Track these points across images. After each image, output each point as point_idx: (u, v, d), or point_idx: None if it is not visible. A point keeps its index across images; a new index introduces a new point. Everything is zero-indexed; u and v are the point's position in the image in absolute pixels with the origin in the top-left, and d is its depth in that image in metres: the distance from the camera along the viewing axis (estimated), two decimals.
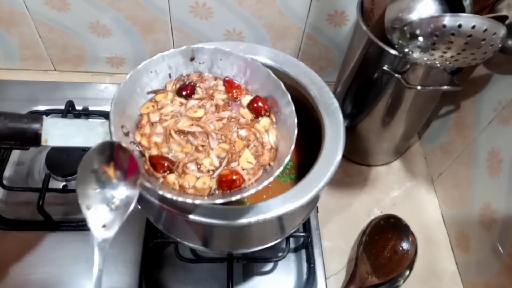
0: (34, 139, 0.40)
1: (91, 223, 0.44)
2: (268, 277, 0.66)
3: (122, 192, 0.43)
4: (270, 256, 0.65)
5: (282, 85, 0.49)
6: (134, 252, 0.65)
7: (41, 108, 0.80)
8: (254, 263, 0.66)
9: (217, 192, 0.44)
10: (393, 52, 0.58)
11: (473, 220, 0.67)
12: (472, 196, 0.68)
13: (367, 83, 0.67)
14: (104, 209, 0.44)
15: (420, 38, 0.51)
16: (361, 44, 0.64)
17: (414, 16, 0.56)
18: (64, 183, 0.71)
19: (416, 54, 0.53)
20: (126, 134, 0.45)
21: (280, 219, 0.51)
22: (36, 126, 0.40)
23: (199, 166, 0.45)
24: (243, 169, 0.45)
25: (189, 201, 0.41)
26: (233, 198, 0.41)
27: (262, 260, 0.66)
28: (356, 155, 0.82)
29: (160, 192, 0.41)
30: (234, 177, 0.44)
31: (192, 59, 0.51)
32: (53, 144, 0.41)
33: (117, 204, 0.44)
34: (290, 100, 0.48)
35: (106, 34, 0.81)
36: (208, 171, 0.45)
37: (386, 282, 0.66)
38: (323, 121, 0.53)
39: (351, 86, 0.72)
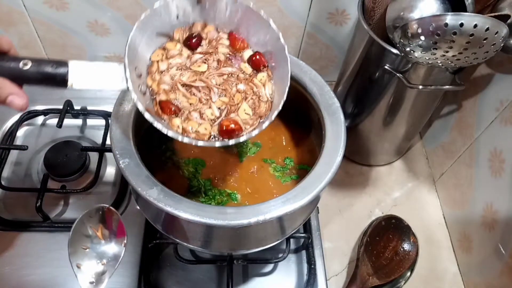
0: (61, 82, 0.43)
1: (81, 281, 0.50)
2: (268, 278, 0.66)
3: (110, 249, 0.52)
4: (270, 257, 0.65)
5: (281, 37, 0.49)
6: (133, 253, 0.65)
7: (39, 107, 0.80)
8: (254, 264, 0.66)
9: (216, 139, 0.48)
10: (394, 51, 0.58)
11: (475, 220, 0.67)
12: (474, 197, 0.68)
13: (368, 82, 0.67)
14: (93, 266, 0.51)
15: (422, 37, 0.51)
16: (362, 43, 0.63)
17: (416, 15, 0.56)
18: (62, 184, 0.71)
19: (417, 53, 0.53)
20: (139, 76, 0.48)
21: (280, 219, 0.50)
22: (63, 71, 0.43)
23: (201, 115, 0.49)
24: (242, 120, 0.49)
25: (191, 140, 0.45)
26: (230, 143, 0.46)
27: (262, 261, 0.66)
28: (357, 155, 0.81)
29: (166, 131, 0.44)
30: (232, 125, 0.48)
31: (199, 1, 0.51)
32: (78, 88, 0.44)
33: (105, 261, 0.52)
34: (287, 54, 0.49)
35: (105, 33, 0.80)
36: (210, 120, 0.49)
37: (387, 283, 0.65)
38: (324, 121, 0.53)
39: (352, 85, 0.71)
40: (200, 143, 0.46)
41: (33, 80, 0.42)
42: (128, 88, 0.44)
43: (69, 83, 0.43)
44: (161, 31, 0.50)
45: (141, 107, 0.44)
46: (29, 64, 0.42)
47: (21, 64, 0.42)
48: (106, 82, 0.45)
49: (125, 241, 0.50)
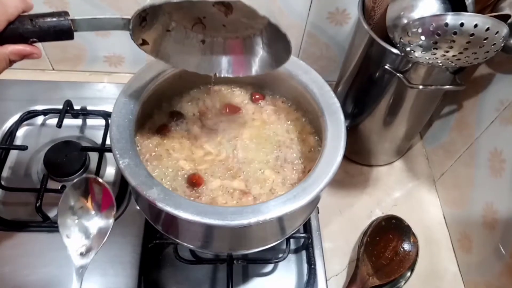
0: (68, 38, 0.44)
1: (70, 251, 0.52)
2: (268, 278, 0.66)
3: (98, 222, 0.52)
4: (270, 257, 0.65)
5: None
6: (133, 253, 0.64)
7: (39, 107, 0.79)
8: (254, 264, 0.66)
9: None
10: (394, 51, 0.58)
11: (475, 220, 0.67)
12: (474, 197, 0.68)
13: (369, 82, 0.67)
14: (82, 238, 0.52)
15: (422, 37, 0.51)
16: (363, 43, 0.63)
17: (416, 14, 0.56)
18: (62, 184, 0.71)
19: (417, 53, 0.53)
20: (143, 17, 0.47)
21: (280, 219, 0.50)
22: (67, 26, 0.43)
23: None
24: None
25: None
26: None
27: (262, 261, 0.66)
28: (357, 155, 0.81)
29: None
30: None
31: None
32: (83, 31, 0.45)
33: (93, 233, 0.52)
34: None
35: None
36: None
37: (388, 283, 0.65)
38: (324, 121, 0.53)
39: (352, 85, 0.71)
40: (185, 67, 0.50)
41: (41, 41, 0.44)
42: (130, 30, 0.45)
43: (74, 35, 0.44)
44: None
45: (136, 42, 0.45)
46: (37, 42, 0.44)
47: (29, 42, 0.43)
48: (108, 26, 0.46)
49: (114, 212, 0.52)
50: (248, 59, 0.53)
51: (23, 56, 0.43)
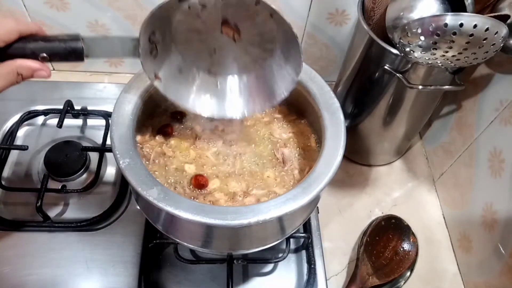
0: (78, 58, 0.46)
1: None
2: (268, 278, 0.66)
3: None
4: (270, 257, 0.65)
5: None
6: (133, 253, 0.65)
7: (40, 107, 0.80)
8: (254, 264, 0.66)
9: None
10: (394, 51, 0.58)
11: (474, 220, 0.67)
12: (473, 197, 0.68)
13: (368, 82, 0.67)
14: None
15: (422, 37, 0.51)
16: (362, 43, 0.63)
17: (416, 15, 0.56)
18: (62, 184, 0.71)
19: (417, 54, 0.53)
20: (152, 42, 0.48)
21: (280, 219, 0.50)
22: (79, 47, 0.45)
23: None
24: None
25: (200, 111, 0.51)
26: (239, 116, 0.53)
27: (262, 261, 0.66)
28: (357, 155, 0.81)
29: (175, 100, 0.51)
30: None
31: None
32: (93, 58, 0.47)
33: None
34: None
35: (105, 33, 0.80)
36: None
37: (387, 283, 0.65)
38: (324, 121, 0.53)
39: (352, 85, 0.71)
40: (198, 112, 0.50)
41: (51, 61, 0.45)
42: (139, 56, 0.46)
43: (84, 57, 0.46)
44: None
45: (148, 75, 0.46)
46: (47, 57, 0.44)
47: (39, 59, 0.44)
48: (118, 52, 0.47)
49: None
50: (269, 87, 0.52)
51: (32, 71, 0.44)
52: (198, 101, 0.52)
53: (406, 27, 0.52)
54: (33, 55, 0.44)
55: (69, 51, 0.45)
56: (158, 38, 0.48)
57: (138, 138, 0.55)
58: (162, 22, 0.47)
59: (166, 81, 0.50)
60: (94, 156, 0.74)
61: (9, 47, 0.43)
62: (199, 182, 0.54)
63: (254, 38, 0.50)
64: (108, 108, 0.79)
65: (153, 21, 0.46)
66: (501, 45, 0.50)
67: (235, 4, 0.48)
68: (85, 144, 0.74)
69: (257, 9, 0.47)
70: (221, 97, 0.53)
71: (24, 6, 0.75)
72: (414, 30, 0.51)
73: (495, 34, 0.48)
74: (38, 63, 0.44)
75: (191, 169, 0.55)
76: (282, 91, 0.52)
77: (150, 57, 0.48)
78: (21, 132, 0.78)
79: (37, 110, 0.79)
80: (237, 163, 0.57)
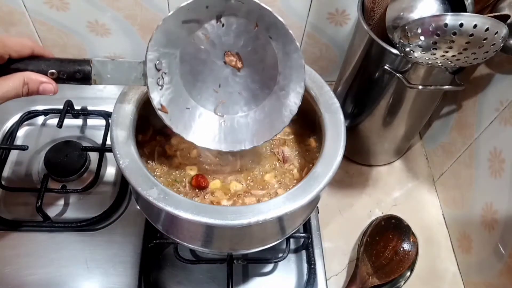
0: (85, 81, 0.47)
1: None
2: (268, 278, 0.66)
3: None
4: (270, 257, 0.65)
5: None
6: (133, 253, 0.65)
7: (40, 107, 0.80)
8: (254, 264, 0.66)
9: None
10: (394, 51, 0.58)
11: (474, 220, 0.67)
12: (473, 197, 0.68)
13: (368, 82, 0.67)
14: None
15: (421, 37, 0.51)
16: (362, 43, 0.63)
17: (416, 15, 0.56)
18: (62, 184, 0.71)
19: (417, 54, 0.53)
20: (158, 70, 0.48)
21: (280, 219, 0.51)
22: (87, 70, 0.46)
23: None
24: None
25: (197, 141, 0.51)
26: (236, 149, 0.52)
27: (262, 261, 0.66)
28: (357, 155, 0.81)
29: (175, 128, 0.51)
30: None
31: None
32: (101, 84, 0.47)
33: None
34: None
35: (105, 33, 0.80)
36: None
37: (387, 283, 0.65)
38: (324, 121, 0.53)
39: (352, 85, 0.71)
40: (205, 146, 0.50)
41: (59, 82, 0.46)
42: (146, 84, 0.47)
43: (92, 80, 0.46)
44: (186, 18, 0.49)
45: (156, 106, 0.47)
46: (56, 74, 0.45)
47: (48, 74, 0.45)
48: (127, 80, 0.48)
49: None
50: (277, 113, 0.52)
51: (39, 83, 0.44)
52: (205, 136, 0.52)
53: (406, 27, 0.52)
54: (42, 71, 0.44)
55: (77, 70, 0.45)
56: (165, 66, 0.49)
57: (138, 138, 0.55)
58: (166, 52, 0.48)
59: (172, 114, 0.50)
60: (94, 156, 0.74)
61: (21, 61, 0.44)
62: (199, 183, 0.54)
63: (257, 66, 0.51)
64: (108, 108, 0.79)
65: (156, 47, 0.47)
66: (501, 45, 0.50)
67: (235, 30, 0.49)
68: (85, 144, 0.74)
69: (257, 32, 0.49)
70: (228, 132, 0.53)
71: (24, 6, 0.75)
72: (414, 30, 0.51)
73: (495, 34, 0.48)
74: (45, 77, 0.44)
75: (192, 170, 0.56)
76: (288, 113, 0.52)
77: (158, 87, 0.49)
78: (21, 132, 0.78)
79: (37, 110, 0.79)
80: (238, 163, 0.57)
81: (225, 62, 0.51)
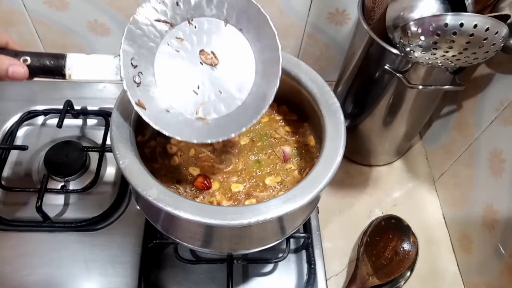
0: (59, 74, 0.46)
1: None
2: (268, 278, 0.66)
3: None
4: (270, 257, 0.65)
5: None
6: (133, 253, 0.65)
7: (40, 107, 0.80)
8: (254, 264, 0.66)
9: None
10: (394, 51, 0.58)
11: (474, 220, 0.67)
12: (474, 197, 0.68)
13: (368, 82, 0.67)
14: None
15: (422, 37, 0.51)
16: (362, 43, 0.63)
17: (416, 15, 0.56)
18: (62, 184, 0.71)
19: (417, 53, 0.53)
20: (134, 67, 0.48)
21: (280, 219, 0.50)
22: (61, 63, 0.46)
23: None
24: None
25: (187, 138, 0.48)
26: (220, 139, 0.49)
27: (262, 261, 0.66)
28: (357, 155, 0.81)
29: (155, 126, 0.48)
30: None
31: None
32: (76, 79, 0.47)
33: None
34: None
35: (105, 33, 0.80)
36: None
37: (387, 283, 0.65)
38: (324, 121, 0.53)
39: (352, 85, 0.71)
40: (195, 141, 0.48)
41: (32, 73, 0.45)
42: (121, 79, 0.47)
43: (67, 75, 0.46)
44: (159, 18, 0.49)
45: (132, 100, 0.46)
46: (29, 60, 0.44)
47: (21, 60, 0.44)
48: (102, 73, 0.47)
49: None
50: (259, 99, 0.51)
51: (7, 64, 0.42)
52: (189, 132, 0.50)
53: (407, 27, 0.52)
54: (14, 57, 0.44)
55: (51, 62, 0.45)
56: (142, 67, 0.48)
57: (138, 138, 0.55)
58: (142, 52, 0.48)
59: (151, 113, 0.49)
60: (94, 156, 0.74)
61: None
62: (202, 183, 0.53)
63: (233, 62, 0.51)
64: (108, 108, 0.79)
65: (131, 42, 0.47)
66: (501, 45, 0.50)
67: (207, 29, 0.49)
68: (85, 144, 0.74)
69: (228, 29, 0.49)
70: (213, 129, 0.51)
71: (24, 6, 0.75)
72: (414, 30, 0.51)
73: (495, 34, 0.48)
74: (16, 60, 0.43)
75: (194, 170, 0.55)
76: (270, 95, 0.50)
77: (134, 84, 0.48)
78: (21, 132, 0.78)
79: (37, 110, 0.79)
80: (238, 162, 0.57)
81: (201, 63, 0.50)
